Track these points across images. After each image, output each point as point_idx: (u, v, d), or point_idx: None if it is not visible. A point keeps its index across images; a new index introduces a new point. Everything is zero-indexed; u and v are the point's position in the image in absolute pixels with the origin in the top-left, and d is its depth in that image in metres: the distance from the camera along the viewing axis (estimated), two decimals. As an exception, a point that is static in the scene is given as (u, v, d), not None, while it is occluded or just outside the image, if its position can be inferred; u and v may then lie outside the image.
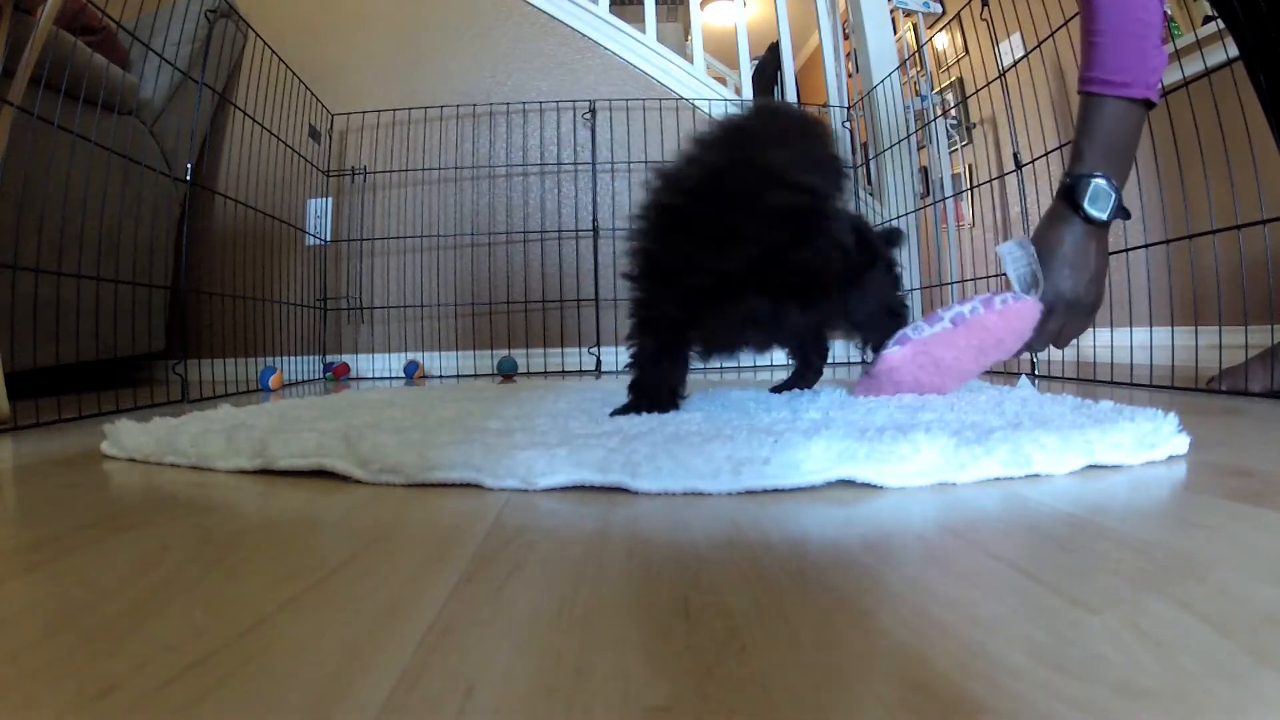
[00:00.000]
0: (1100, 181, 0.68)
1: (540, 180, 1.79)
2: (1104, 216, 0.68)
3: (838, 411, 0.62)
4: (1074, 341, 0.75)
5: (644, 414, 0.59)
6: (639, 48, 1.80)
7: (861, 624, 0.22)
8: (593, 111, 1.76)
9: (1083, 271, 0.69)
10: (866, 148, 1.83)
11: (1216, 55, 0.95)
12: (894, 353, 0.68)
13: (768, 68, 2.68)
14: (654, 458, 0.41)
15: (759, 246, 0.52)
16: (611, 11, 1.83)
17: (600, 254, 1.74)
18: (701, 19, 1.93)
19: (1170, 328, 0.99)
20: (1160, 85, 0.70)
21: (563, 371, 1.71)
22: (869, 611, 0.23)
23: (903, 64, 1.86)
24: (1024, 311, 0.68)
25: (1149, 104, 0.69)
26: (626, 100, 1.78)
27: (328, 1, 1.87)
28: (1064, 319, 0.70)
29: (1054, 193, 0.74)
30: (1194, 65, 1.02)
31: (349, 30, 1.86)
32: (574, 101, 1.79)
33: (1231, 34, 0.80)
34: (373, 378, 1.72)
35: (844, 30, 2.16)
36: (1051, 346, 0.73)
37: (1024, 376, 0.88)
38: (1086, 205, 0.68)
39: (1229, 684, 0.17)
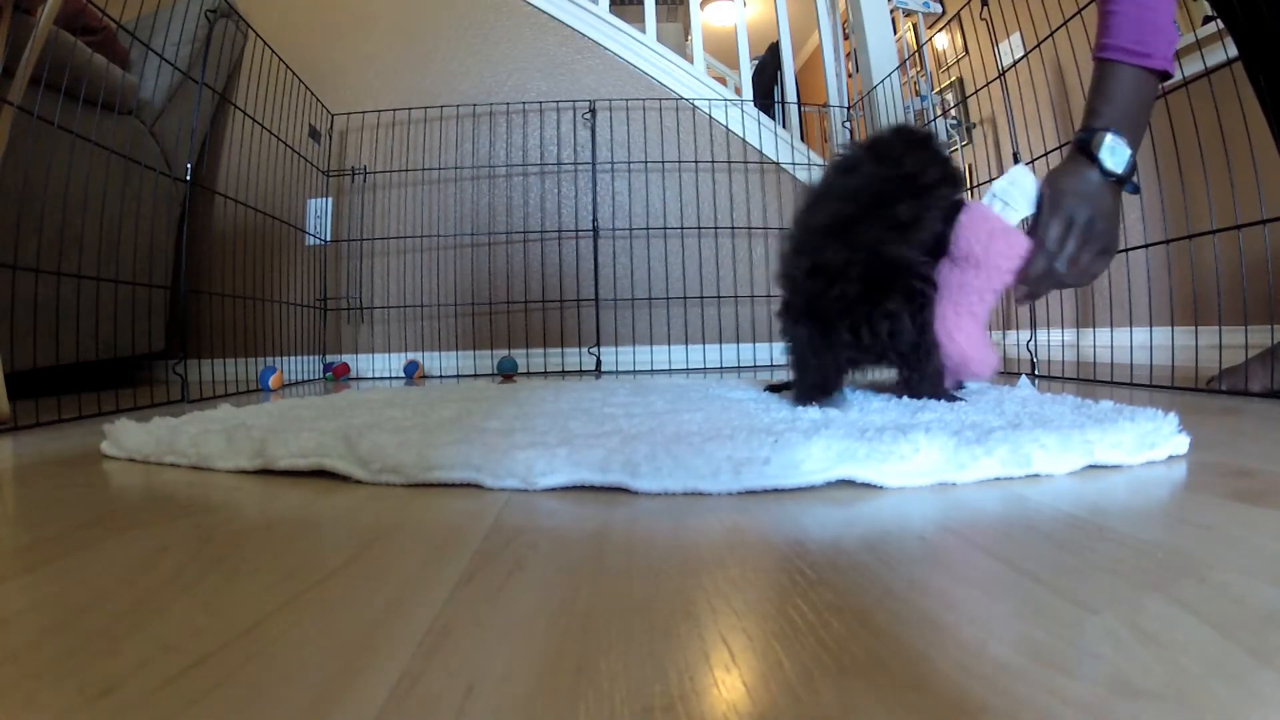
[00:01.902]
0: (1116, 136, 0.69)
1: (540, 180, 1.79)
2: (1119, 170, 0.69)
3: (838, 412, 0.62)
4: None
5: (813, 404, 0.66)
6: (639, 48, 1.80)
7: (862, 624, 0.22)
8: (593, 111, 1.76)
9: (1098, 205, 0.70)
10: (866, 148, 1.83)
11: (1216, 55, 0.95)
12: None
13: (768, 68, 2.67)
14: (654, 458, 0.41)
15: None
16: (611, 11, 1.83)
17: (600, 254, 1.74)
18: (701, 19, 1.93)
19: (1170, 328, 1.00)
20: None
21: (563, 371, 1.71)
22: (869, 611, 0.23)
23: (903, 64, 1.86)
24: (985, 213, 0.71)
25: (1165, 76, 0.70)
26: (626, 100, 1.78)
27: (328, 1, 1.87)
28: (1081, 240, 0.70)
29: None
30: (1194, 65, 1.02)
31: (349, 30, 1.86)
32: (574, 101, 1.79)
33: (1230, 34, 0.80)
34: (373, 378, 1.72)
35: (844, 30, 2.16)
36: (1063, 281, 0.72)
37: (1024, 376, 0.88)
38: (1103, 157, 0.69)
39: (1229, 684, 0.17)
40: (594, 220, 1.72)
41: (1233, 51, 0.81)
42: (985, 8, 1.22)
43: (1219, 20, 0.82)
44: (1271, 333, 0.79)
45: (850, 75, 2.13)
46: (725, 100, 1.79)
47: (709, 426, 0.54)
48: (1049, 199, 0.71)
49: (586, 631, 0.22)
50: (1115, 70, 0.70)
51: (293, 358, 1.64)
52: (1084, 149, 0.70)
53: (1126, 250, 1.03)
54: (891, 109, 1.72)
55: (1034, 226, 0.72)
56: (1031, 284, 0.72)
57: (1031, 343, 1.16)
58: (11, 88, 0.81)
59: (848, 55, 2.18)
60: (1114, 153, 0.69)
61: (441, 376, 1.69)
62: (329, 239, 1.76)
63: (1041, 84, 1.80)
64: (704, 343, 1.75)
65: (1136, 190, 0.72)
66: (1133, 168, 0.70)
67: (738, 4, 1.97)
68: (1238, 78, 0.82)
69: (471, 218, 1.78)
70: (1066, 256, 0.70)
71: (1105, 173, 0.69)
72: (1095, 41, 0.72)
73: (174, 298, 1.50)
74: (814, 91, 3.37)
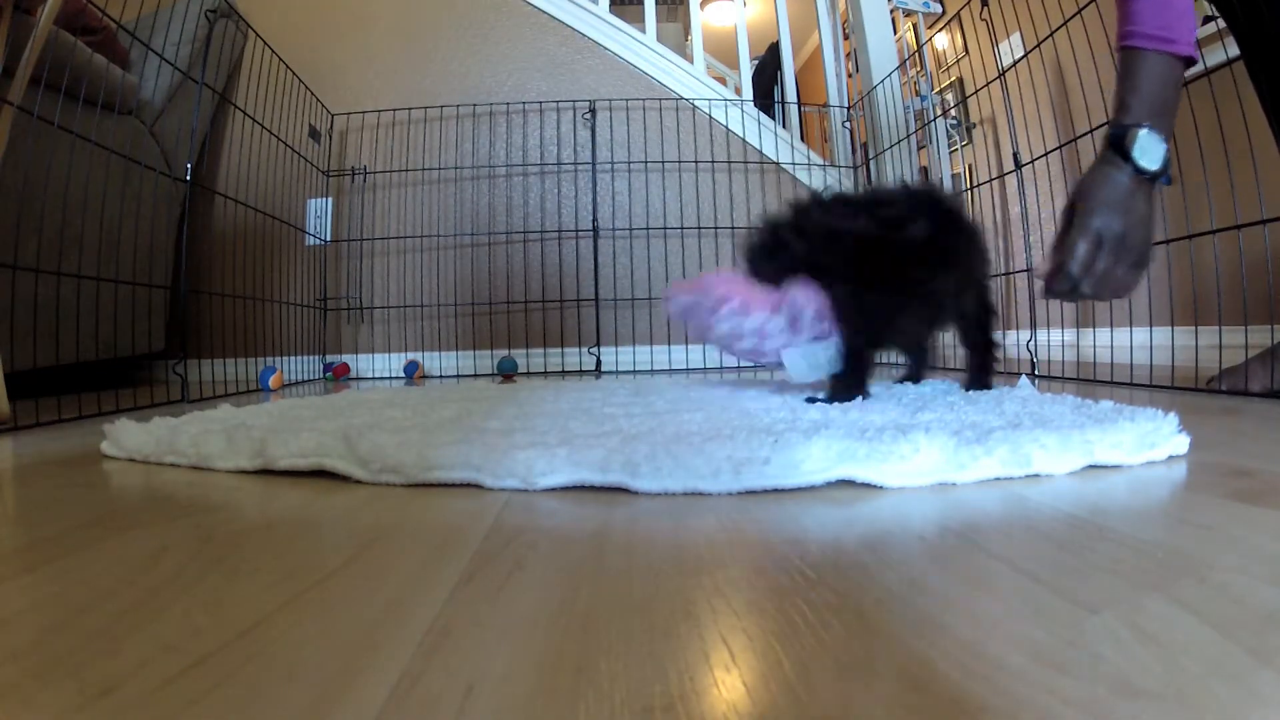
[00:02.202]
0: (1150, 132, 0.67)
1: (540, 180, 1.79)
2: (1154, 167, 0.66)
3: (838, 412, 0.62)
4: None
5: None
6: (639, 48, 1.80)
7: (862, 624, 0.22)
8: (593, 111, 1.76)
9: (1129, 214, 0.67)
10: (866, 148, 1.83)
11: (1216, 55, 0.95)
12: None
13: (768, 68, 2.67)
14: (654, 458, 0.41)
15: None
16: (611, 11, 1.83)
17: (600, 254, 1.74)
18: (701, 19, 1.92)
19: (1170, 328, 0.99)
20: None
21: (563, 371, 1.71)
22: (869, 611, 0.23)
23: (903, 64, 1.86)
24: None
25: (1190, 62, 0.68)
26: (626, 100, 1.78)
27: (328, 1, 1.87)
28: (1112, 256, 0.67)
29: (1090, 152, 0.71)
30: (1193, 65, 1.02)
31: (349, 30, 1.86)
32: (574, 101, 1.79)
33: (1232, 33, 0.80)
34: (373, 378, 1.72)
35: (844, 30, 2.16)
36: (1098, 297, 0.69)
37: (1024, 376, 0.88)
38: (1136, 155, 0.66)
39: (1229, 684, 0.17)
40: (594, 220, 1.72)
41: (1233, 52, 0.81)
42: (985, 8, 1.22)
43: (1219, 20, 0.82)
44: (1271, 333, 0.79)
45: (850, 75, 2.12)
46: (725, 100, 1.79)
47: (709, 426, 0.54)
48: (1077, 213, 0.68)
49: (586, 631, 0.22)
50: (1141, 59, 0.68)
51: (293, 358, 1.64)
52: (1116, 146, 0.68)
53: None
54: (891, 109, 1.72)
55: (1059, 243, 0.69)
56: (1058, 297, 0.70)
57: (1031, 343, 1.16)
58: (11, 88, 0.81)
59: (848, 55, 2.18)
60: (1148, 149, 0.66)
61: (441, 376, 1.69)
62: (329, 239, 1.76)
63: (1041, 84, 1.80)
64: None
65: (1170, 182, 0.69)
66: (1168, 162, 0.67)
67: (738, 4, 1.97)
68: (1238, 77, 0.82)
69: (471, 218, 1.78)
70: (1095, 279, 0.67)
71: (1139, 170, 0.66)
72: (1117, 31, 0.70)
73: (174, 298, 1.50)
74: (814, 91, 3.37)
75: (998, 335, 0.86)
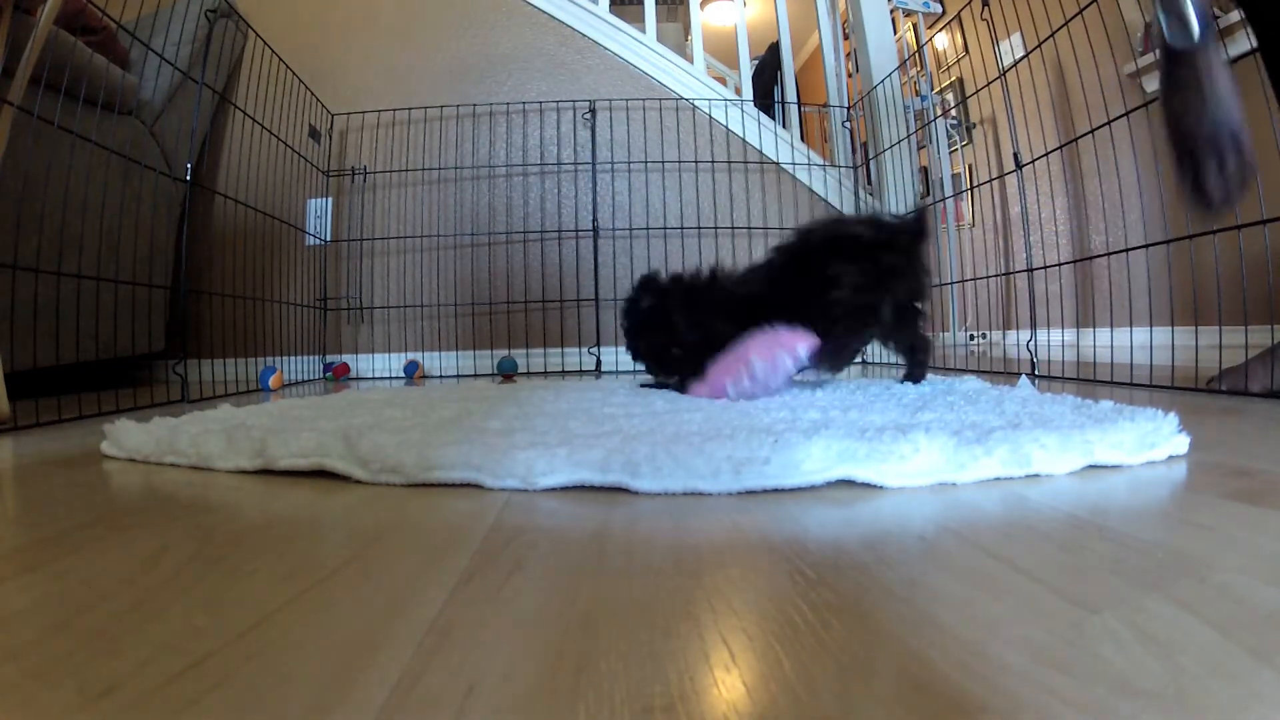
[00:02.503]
0: (1170, 3, 0.65)
1: (540, 180, 1.79)
2: (1193, 39, 0.65)
3: (838, 412, 0.62)
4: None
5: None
6: (639, 48, 1.80)
7: (862, 624, 0.22)
8: (593, 111, 1.76)
9: (1209, 105, 0.67)
10: (866, 148, 1.83)
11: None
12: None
13: (768, 68, 2.67)
14: (654, 458, 0.41)
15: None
16: (611, 11, 1.83)
17: (600, 254, 1.74)
18: (701, 19, 1.93)
19: (1170, 328, 0.99)
20: None
21: (563, 371, 1.71)
22: (869, 611, 0.23)
23: (903, 64, 1.86)
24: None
25: None
26: (626, 100, 1.78)
27: (328, 1, 1.87)
28: (1218, 160, 0.68)
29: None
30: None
31: (349, 30, 1.86)
32: (574, 101, 1.79)
33: (1249, 22, 0.80)
34: (373, 378, 1.72)
35: (844, 30, 2.16)
36: (1242, 185, 0.70)
37: (1024, 376, 0.88)
38: (1169, 38, 0.66)
39: (1229, 684, 0.17)
40: (594, 220, 1.72)
41: (1233, 51, 0.81)
42: (985, 8, 1.22)
43: (1218, 21, 0.82)
44: (1271, 333, 0.79)
45: (850, 75, 2.13)
46: (725, 100, 1.79)
47: (709, 426, 0.54)
48: (1173, 148, 0.69)
49: (586, 631, 0.22)
50: None
51: (293, 358, 1.64)
52: (1159, 41, 0.68)
53: (1127, 250, 1.03)
54: (891, 109, 1.72)
55: (1180, 179, 0.71)
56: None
57: (1031, 343, 1.16)
58: (11, 88, 0.81)
59: (848, 55, 2.18)
60: (1181, 26, 0.65)
61: (441, 376, 1.69)
62: (329, 239, 1.76)
63: (1042, 84, 1.80)
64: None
65: (1209, 24, 0.67)
66: (1205, 21, 0.65)
67: (738, 4, 1.97)
68: (1238, 77, 0.82)
69: (471, 218, 1.78)
70: (1225, 190, 0.68)
71: (1184, 51, 0.65)
72: None
73: (174, 298, 1.49)
74: (814, 91, 3.37)
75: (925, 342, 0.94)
